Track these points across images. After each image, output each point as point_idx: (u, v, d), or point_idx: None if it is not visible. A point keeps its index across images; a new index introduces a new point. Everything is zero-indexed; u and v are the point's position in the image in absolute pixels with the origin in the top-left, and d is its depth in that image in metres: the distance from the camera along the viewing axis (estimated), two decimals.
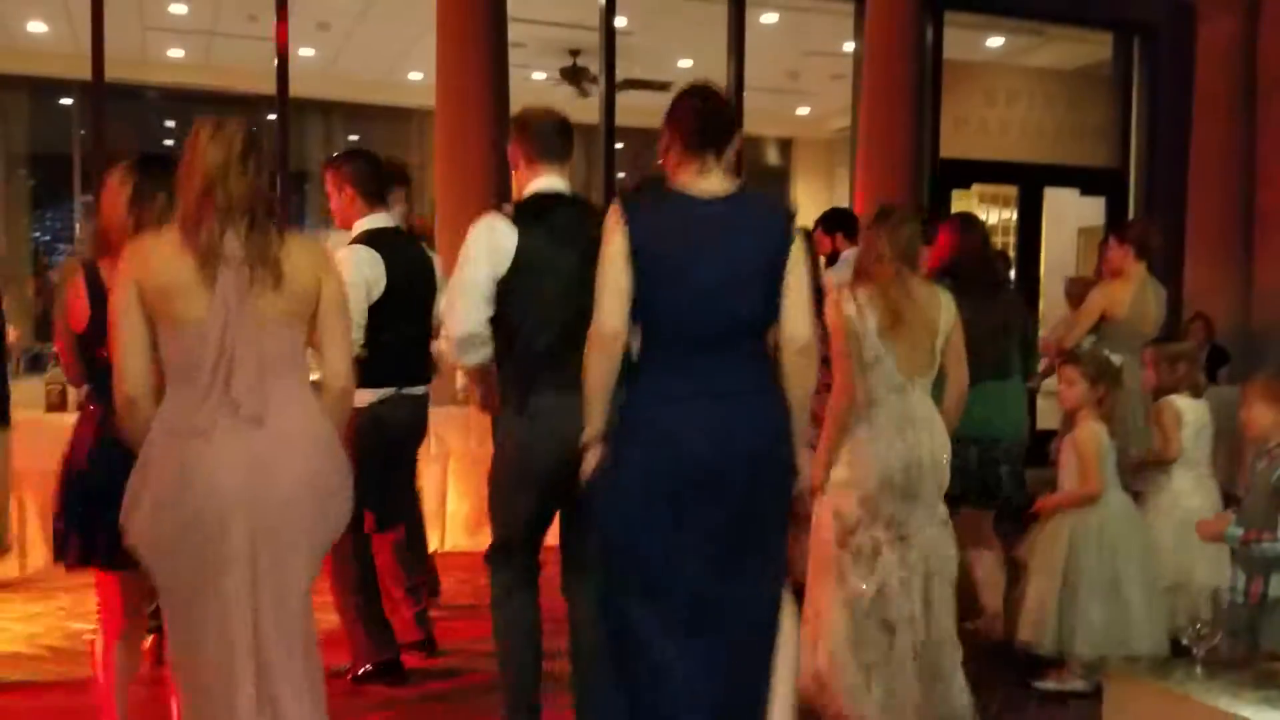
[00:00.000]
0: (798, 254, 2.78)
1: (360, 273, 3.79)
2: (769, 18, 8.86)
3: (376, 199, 4.05)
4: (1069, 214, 10.20)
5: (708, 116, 2.82)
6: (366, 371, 3.96)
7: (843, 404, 3.49)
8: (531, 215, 3.13)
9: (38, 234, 10.80)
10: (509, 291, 3.07)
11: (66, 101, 9.74)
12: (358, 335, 3.75)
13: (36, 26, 8.80)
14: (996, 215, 12.00)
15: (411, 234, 4.32)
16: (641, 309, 2.70)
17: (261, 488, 2.42)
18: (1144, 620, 3.81)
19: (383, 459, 3.93)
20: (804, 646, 3.36)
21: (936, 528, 3.56)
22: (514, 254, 3.05)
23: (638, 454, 2.70)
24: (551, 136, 3.22)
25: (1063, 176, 9.23)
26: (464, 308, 3.09)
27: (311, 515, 2.52)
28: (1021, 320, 4.66)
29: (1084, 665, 3.89)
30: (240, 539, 2.41)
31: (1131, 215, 9.22)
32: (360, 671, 3.95)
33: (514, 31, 7.35)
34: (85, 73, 6.96)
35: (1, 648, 4.34)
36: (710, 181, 2.77)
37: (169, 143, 10.25)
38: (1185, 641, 2.76)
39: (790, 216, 2.85)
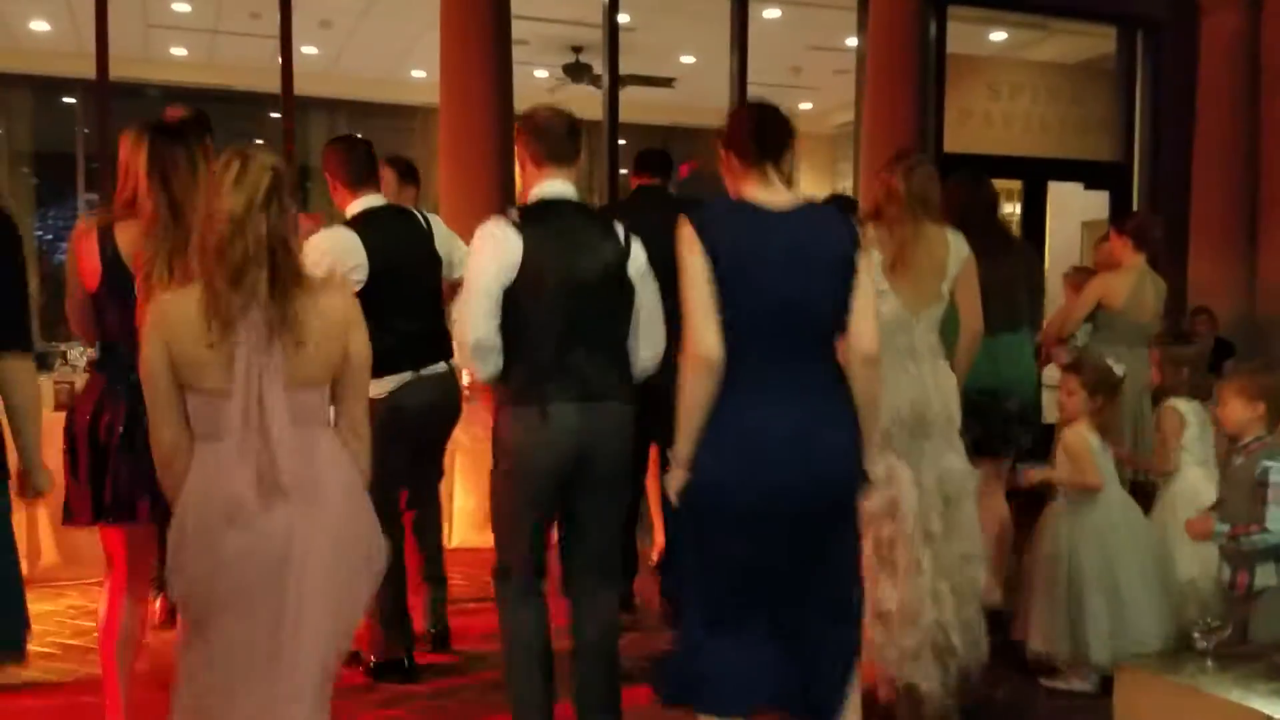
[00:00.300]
0: (866, 264, 2.81)
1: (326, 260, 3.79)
2: (772, 13, 8.86)
3: (358, 182, 3.98)
4: (1073, 208, 10.19)
5: (764, 129, 2.85)
6: (377, 360, 3.98)
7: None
8: (537, 221, 3.12)
9: (40, 232, 10.80)
10: (514, 298, 3.07)
11: (70, 100, 9.75)
12: None
13: (39, 25, 8.81)
14: (1001, 209, 12.05)
15: (404, 209, 4.18)
16: (723, 320, 2.66)
17: (301, 552, 2.39)
18: (1150, 619, 3.82)
19: (410, 445, 3.94)
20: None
21: (952, 456, 3.56)
22: (519, 261, 3.05)
23: (726, 455, 2.67)
24: (560, 139, 3.18)
25: (1066, 170, 9.22)
26: (472, 317, 3.08)
27: (349, 578, 2.50)
28: (1029, 272, 4.67)
29: (1095, 667, 3.89)
30: (285, 603, 2.38)
31: (1135, 209, 9.21)
32: (371, 664, 3.97)
33: (517, 29, 7.35)
34: (88, 71, 6.96)
35: None
36: (775, 193, 2.79)
37: None
38: (1196, 635, 2.77)
39: (856, 227, 2.89)
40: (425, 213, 4.20)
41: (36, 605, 4.82)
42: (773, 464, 2.64)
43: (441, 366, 4.00)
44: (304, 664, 2.42)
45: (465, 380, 5.56)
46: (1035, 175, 9.12)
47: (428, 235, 4.07)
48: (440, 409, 4.04)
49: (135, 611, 3.09)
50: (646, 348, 3.24)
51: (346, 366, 2.50)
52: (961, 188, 4.47)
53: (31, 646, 4.24)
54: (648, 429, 4.63)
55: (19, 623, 2.36)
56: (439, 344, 3.98)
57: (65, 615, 4.71)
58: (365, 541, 2.54)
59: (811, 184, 12.12)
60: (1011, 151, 8.93)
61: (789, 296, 2.68)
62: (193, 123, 3.77)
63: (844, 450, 2.74)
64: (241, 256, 2.33)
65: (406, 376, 3.89)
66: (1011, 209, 9.91)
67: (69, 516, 3.01)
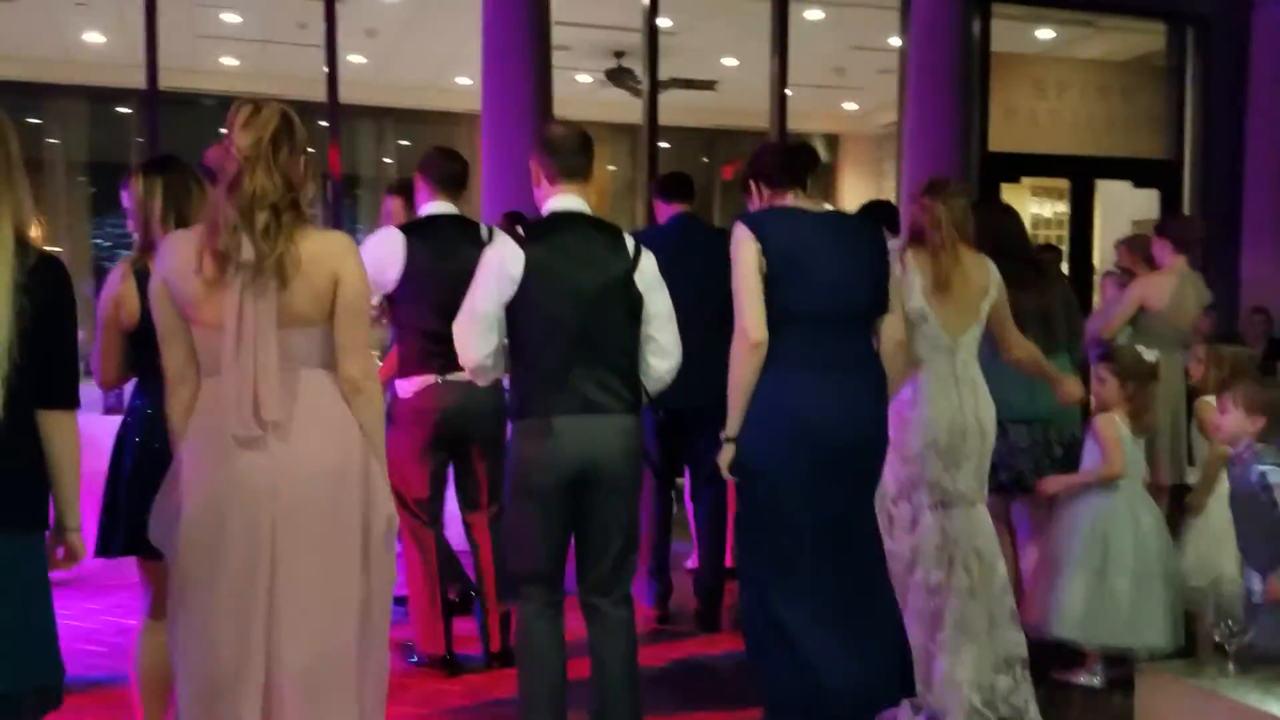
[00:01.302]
0: (892, 264, 3.32)
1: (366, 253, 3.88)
2: (814, 14, 8.84)
3: (431, 191, 4.14)
4: (1123, 207, 10.05)
5: (794, 159, 3.33)
6: (401, 362, 4.05)
7: (893, 352, 3.46)
8: (544, 235, 3.17)
9: (98, 240, 11.03)
10: (519, 313, 3.11)
11: (124, 110, 9.95)
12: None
13: (93, 37, 9.02)
14: (1050, 209, 11.88)
15: (465, 222, 4.23)
16: (775, 303, 3.06)
17: (283, 491, 2.44)
18: (1163, 613, 3.84)
19: (442, 447, 4.01)
20: None
21: (983, 507, 3.57)
22: (521, 276, 3.09)
23: (782, 417, 3.06)
24: (572, 155, 3.23)
25: (1115, 169, 9.09)
26: (471, 339, 3.14)
27: (333, 517, 2.51)
28: (1065, 298, 4.64)
29: (1106, 658, 3.90)
30: (262, 540, 2.43)
31: (1186, 207, 9.07)
32: (415, 657, 4.10)
33: (559, 35, 7.41)
34: (141, 81, 7.13)
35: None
36: (807, 203, 3.29)
37: None
38: (1217, 638, 2.73)
39: (882, 231, 3.40)
40: (494, 228, 4.23)
41: (82, 604, 4.97)
42: (822, 416, 3.05)
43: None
44: (295, 611, 2.45)
45: None
46: (1083, 174, 9.01)
47: (475, 247, 4.09)
48: (465, 414, 4.03)
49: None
50: (659, 358, 3.23)
51: (337, 309, 2.51)
52: (992, 218, 4.48)
53: (77, 644, 4.43)
54: (677, 448, 4.71)
55: (57, 671, 2.40)
56: None
57: (111, 615, 4.82)
58: (352, 495, 2.53)
59: (856, 184, 12.07)
60: (1058, 150, 8.83)
61: (834, 279, 3.10)
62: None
63: (879, 406, 3.22)
64: (250, 195, 2.41)
65: (427, 381, 3.96)
66: (1062, 208, 9.81)
67: (103, 550, 3.09)
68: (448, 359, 3.88)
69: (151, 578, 3.12)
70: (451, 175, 4.18)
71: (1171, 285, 5.28)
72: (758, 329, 3.02)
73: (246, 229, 2.41)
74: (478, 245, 3.90)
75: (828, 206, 3.51)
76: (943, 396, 3.53)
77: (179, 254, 2.47)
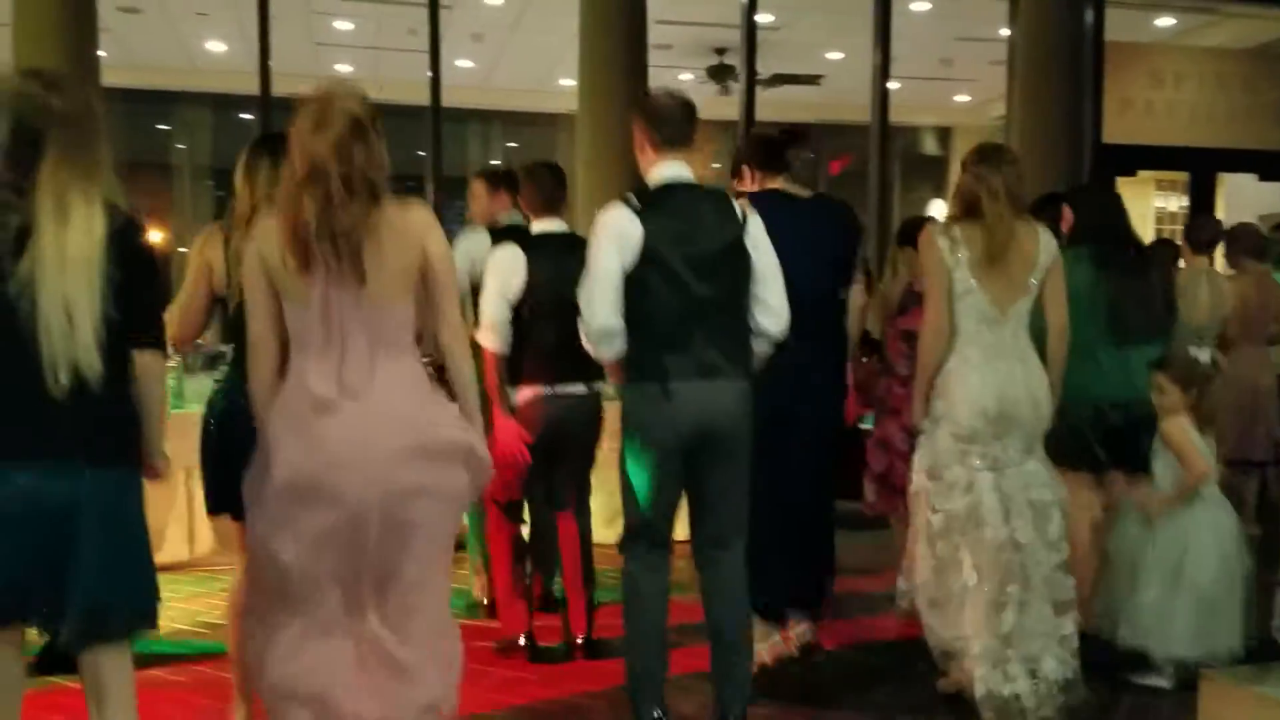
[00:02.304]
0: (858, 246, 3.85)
1: (498, 267, 4.02)
2: (920, 5, 8.72)
3: (539, 209, 4.26)
4: (1249, 200, 9.66)
5: (776, 145, 3.94)
6: (512, 371, 4.15)
7: (930, 338, 3.56)
8: (656, 204, 3.20)
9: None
10: (636, 281, 3.15)
11: (246, 116, 10.35)
12: (502, 331, 3.99)
13: (216, 46, 9.41)
14: (1176, 202, 11.48)
15: (574, 238, 4.27)
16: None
17: (366, 463, 2.52)
18: (1227, 620, 3.75)
19: (541, 454, 4.10)
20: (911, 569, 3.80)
21: (1036, 463, 3.53)
22: (640, 244, 3.13)
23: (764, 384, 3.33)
24: (675, 122, 3.25)
25: (1239, 161, 8.76)
26: (598, 302, 3.16)
27: (418, 488, 2.57)
28: (1166, 283, 4.53)
29: (1168, 662, 3.80)
30: (351, 511, 2.51)
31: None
32: (497, 645, 4.19)
33: (660, 33, 7.46)
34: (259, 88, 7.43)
35: (165, 624, 4.66)
36: (792, 187, 3.80)
37: None
38: None
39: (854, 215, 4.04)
40: None
41: (191, 588, 5.20)
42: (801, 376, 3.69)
43: (577, 387, 4.09)
44: (385, 589, 2.55)
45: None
46: (1203, 166, 8.69)
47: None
48: (569, 424, 4.10)
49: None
50: (769, 318, 3.26)
51: (430, 275, 2.58)
52: (1092, 201, 4.45)
53: (182, 625, 4.64)
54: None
55: (152, 594, 2.57)
56: (577, 363, 3.93)
57: (217, 597, 5.01)
58: (438, 453, 2.60)
59: None
60: (1176, 142, 8.53)
61: (805, 264, 3.49)
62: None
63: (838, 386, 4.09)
64: (323, 197, 2.47)
65: (537, 390, 4.05)
66: (1177, 202, 9.47)
67: (209, 508, 3.29)
68: (558, 371, 4.02)
69: (243, 537, 3.25)
70: (556, 197, 4.29)
71: (1181, 283, 5.34)
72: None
73: (324, 229, 2.48)
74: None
75: (807, 193, 3.96)
76: (989, 367, 3.48)
77: (270, 234, 2.56)
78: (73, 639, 2.41)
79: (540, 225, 4.23)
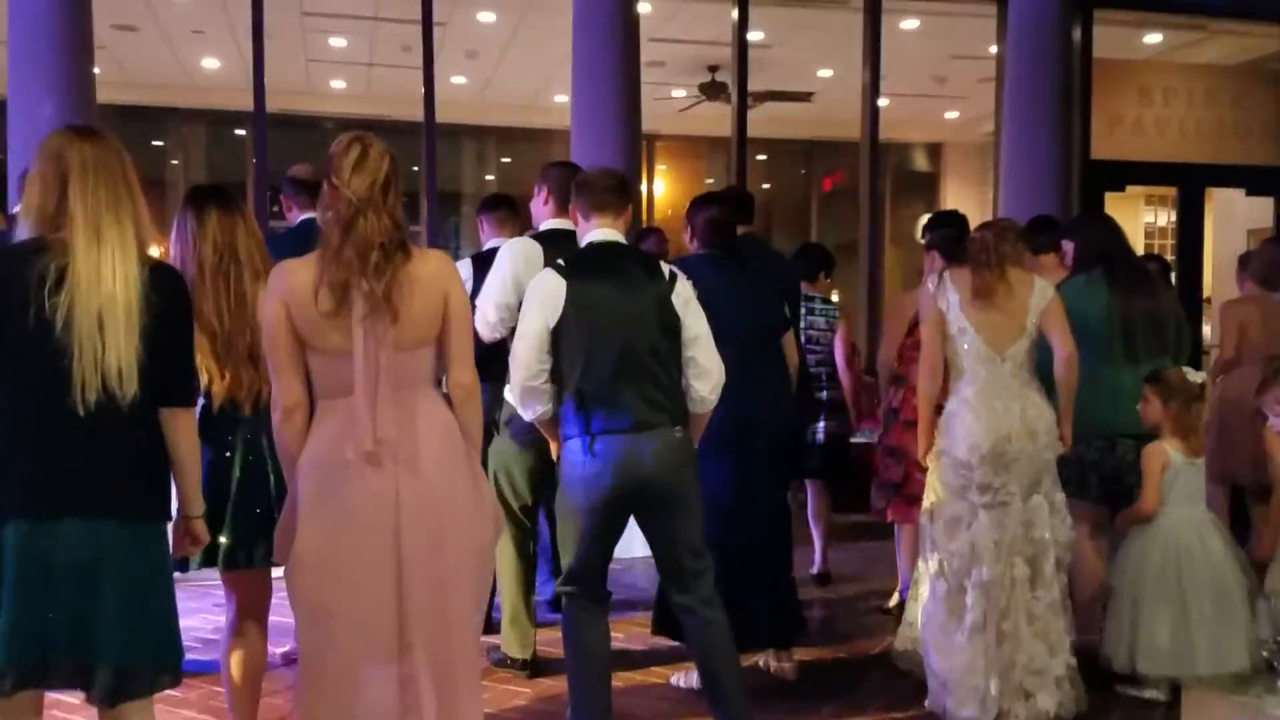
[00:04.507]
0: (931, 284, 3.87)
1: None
2: (910, 23, 8.78)
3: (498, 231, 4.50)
4: (1237, 215, 9.73)
5: (723, 225, 4.13)
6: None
7: (925, 375, 3.80)
8: (582, 263, 3.38)
9: None
10: (563, 337, 3.27)
11: (240, 132, 10.40)
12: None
13: (211, 63, 9.45)
14: (1165, 217, 11.54)
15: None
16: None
17: (405, 504, 2.54)
18: (1220, 642, 3.71)
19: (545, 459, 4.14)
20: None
21: (1039, 500, 3.64)
22: (563, 301, 3.26)
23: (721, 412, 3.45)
24: (605, 192, 3.47)
25: (1226, 176, 8.81)
26: (519, 362, 3.30)
27: (453, 525, 2.62)
28: (1177, 309, 4.59)
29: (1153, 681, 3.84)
30: (389, 548, 2.54)
31: None
32: (497, 658, 4.21)
33: (653, 51, 7.50)
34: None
35: None
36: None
37: None
38: (1265, 654, 2.66)
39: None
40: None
41: (185, 603, 5.19)
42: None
43: None
44: (425, 631, 2.56)
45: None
46: (1191, 181, 8.74)
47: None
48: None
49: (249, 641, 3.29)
50: (700, 380, 3.36)
51: (450, 319, 2.63)
52: (1093, 227, 4.67)
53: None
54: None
55: (177, 649, 2.57)
56: None
57: (210, 613, 5.04)
58: (468, 504, 2.65)
59: (959, 193, 11.89)
60: (1165, 157, 8.59)
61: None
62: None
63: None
64: (364, 237, 2.51)
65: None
66: (1166, 216, 9.52)
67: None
68: None
69: (236, 587, 3.26)
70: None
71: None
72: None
73: (361, 267, 2.52)
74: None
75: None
76: (985, 406, 3.63)
77: (298, 282, 2.54)
78: (101, 700, 2.42)
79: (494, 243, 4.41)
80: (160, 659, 2.51)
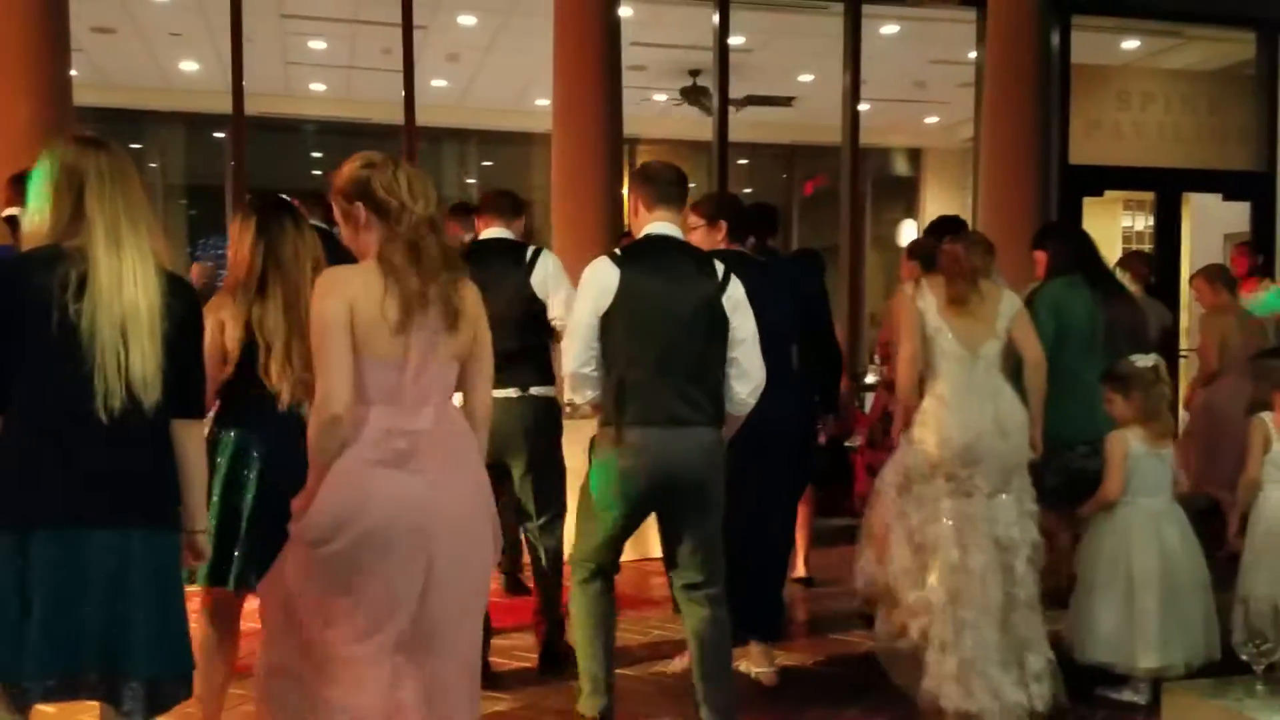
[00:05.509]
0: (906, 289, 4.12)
1: None
2: (890, 28, 8.81)
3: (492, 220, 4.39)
4: (1214, 220, 9.81)
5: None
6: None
7: (904, 368, 3.95)
8: (637, 254, 3.41)
9: (199, 259, 11.46)
10: (611, 326, 3.30)
11: (219, 135, 10.35)
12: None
13: (189, 66, 9.40)
14: (1143, 222, 11.62)
15: (506, 245, 4.32)
16: None
17: (441, 510, 2.57)
18: (1198, 629, 3.83)
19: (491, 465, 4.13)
20: (868, 558, 4.14)
21: (1008, 499, 3.75)
22: (615, 290, 3.29)
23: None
24: (667, 185, 3.48)
25: (1203, 181, 8.89)
26: (571, 348, 3.35)
27: (478, 533, 2.66)
28: (1159, 311, 4.69)
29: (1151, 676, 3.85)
30: (420, 552, 2.55)
31: None
32: None
33: (634, 55, 7.51)
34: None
35: None
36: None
37: (317, 173, 10.78)
38: (1244, 657, 2.68)
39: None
40: (537, 251, 4.26)
41: None
42: None
43: (511, 391, 4.04)
44: (447, 633, 2.59)
45: (566, 397, 5.73)
46: (1169, 186, 8.81)
47: (522, 267, 4.18)
48: (505, 431, 3.97)
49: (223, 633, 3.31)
50: (740, 381, 3.38)
51: (478, 347, 2.71)
52: (1066, 234, 4.91)
53: None
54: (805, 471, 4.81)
55: (192, 660, 2.55)
56: (508, 369, 3.92)
57: (191, 619, 5.00)
58: (485, 513, 2.71)
59: (939, 198, 11.95)
60: (1143, 163, 8.65)
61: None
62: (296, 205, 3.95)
63: None
64: (429, 255, 2.55)
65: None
66: (1144, 221, 9.58)
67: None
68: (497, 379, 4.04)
69: (213, 599, 3.28)
70: (491, 208, 4.44)
71: None
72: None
73: (432, 282, 2.56)
74: (520, 266, 4.12)
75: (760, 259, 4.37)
76: (958, 403, 3.77)
77: (368, 289, 2.55)
78: (133, 713, 2.39)
79: (489, 233, 4.36)
80: (183, 670, 2.49)
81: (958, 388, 3.81)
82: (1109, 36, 9.03)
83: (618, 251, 3.42)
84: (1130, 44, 9.34)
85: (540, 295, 4.12)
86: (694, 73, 9.56)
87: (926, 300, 3.89)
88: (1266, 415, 4.10)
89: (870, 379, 7.81)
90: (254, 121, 7.62)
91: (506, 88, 10.05)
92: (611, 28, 7.08)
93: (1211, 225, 9.93)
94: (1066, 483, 4.26)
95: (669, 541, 3.44)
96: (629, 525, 3.42)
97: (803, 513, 5.61)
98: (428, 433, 2.57)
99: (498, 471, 3.70)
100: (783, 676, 4.22)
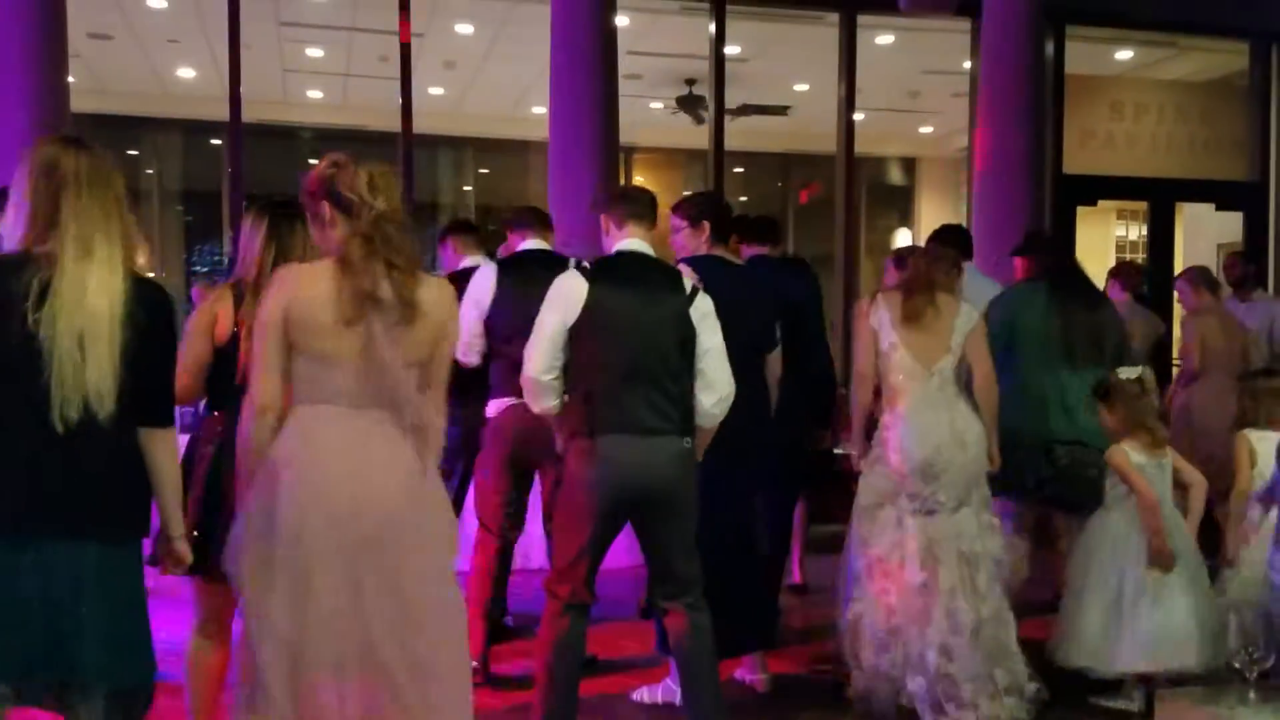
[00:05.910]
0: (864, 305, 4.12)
1: (474, 288, 4.19)
2: (884, 38, 8.84)
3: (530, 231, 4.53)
4: (1207, 230, 9.84)
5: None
6: (491, 385, 4.22)
7: (857, 382, 4.05)
8: (608, 267, 3.46)
9: (196, 265, 11.46)
10: (579, 335, 3.35)
11: (216, 141, 10.36)
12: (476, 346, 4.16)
13: (186, 72, 9.42)
14: (1136, 231, 11.66)
15: (550, 257, 4.41)
16: None
17: (367, 504, 2.54)
18: (1193, 634, 3.79)
19: (516, 465, 4.22)
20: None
21: (969, 512, 3.80)
22: (583, 302, 3.33)
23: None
24: (639, 204, 3.58)
25: (1196, 191, 8.93)
26: (534, 355, 3.38)
27: (416, 528, 2.62)
28: (1118, 321, 4.76)
29: (1144, 683, 3.86)
30: (357, 547, 2.53)
31: (1271, 229, 8.86)
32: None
33: (631, 64, 7.52)
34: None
35: None
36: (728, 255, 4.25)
37: None
38: (1237, 664, 2.69)
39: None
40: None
41: (157, 614, 5.16)
42: None
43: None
44: (391, 608, 2.55)
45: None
46: (1162, 196, 8.85)
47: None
48: (540, 434, 4.00)
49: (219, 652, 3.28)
50: (706, 392, 3.42)
51: (443, 347, 2.69)
52: (1045, 245, 5.02)
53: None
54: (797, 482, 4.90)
55: (153, 669, 2.54)
56: None
57: (180, 625, 5.00)
58: (426, 510, 2.67)
59: (933, 207, 11.97)
60: (1136, 173, 8.69)
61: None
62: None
63: None
64: (386, 249, 2.56)
65: (510, 400, 4.12)
66: (1137, 230, 9.61)
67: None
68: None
69: (203, 597, 3.25)
70: (522, 221, 4.59)
71: None
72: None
73: (385, 277, 2.57)
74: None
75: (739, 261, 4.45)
76: (917, 417, 3.83)
77: (312, 287, 2.57)
78: None
79: (525, 244, 4.47)
80: (142, 678, 2.49)
81: (915, 404, 3.86)
82: (1103, 47, 9.07)
83: (586, 265, 3.48)
84: (1124, 54, 9.37)
85: None
86: (690, 81, 9.58)
87: (881, 316, 3.93)
88: (1251, 432, 4.12)
89: None
90: (251, 128, 7.63)
91: (503, 96, 10.07)
92: (608, 36, 7.09)
93: (1204, 235, 9.96)
94: (1018, 480, 4.31)
95: (647, 549, 3.48)
96: (604, 535, 3.42)
97: (798, 521, 5.63)
98: (375, 434, 2.55)
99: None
100: (775, 684, 4.23)
